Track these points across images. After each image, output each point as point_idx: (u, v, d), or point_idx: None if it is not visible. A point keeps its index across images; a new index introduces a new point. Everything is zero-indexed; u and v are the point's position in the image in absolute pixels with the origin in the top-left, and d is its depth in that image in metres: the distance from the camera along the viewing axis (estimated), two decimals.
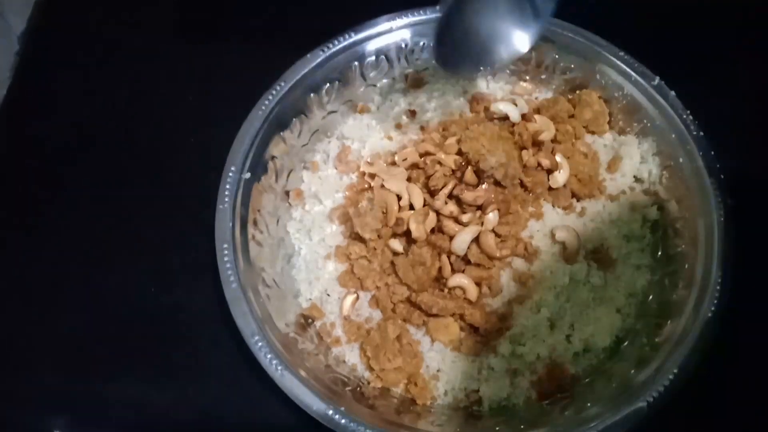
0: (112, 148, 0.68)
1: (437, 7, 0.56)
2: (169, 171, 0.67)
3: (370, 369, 0.57)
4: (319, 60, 0.64)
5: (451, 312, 0.57)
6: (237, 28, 0.76)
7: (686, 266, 0.58)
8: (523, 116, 0.64)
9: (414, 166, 0.61)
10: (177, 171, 0.67)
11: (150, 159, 0.68)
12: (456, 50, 0.57)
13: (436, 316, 0.57)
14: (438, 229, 0.58)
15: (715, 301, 0.54)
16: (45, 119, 0.70)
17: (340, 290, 0.61)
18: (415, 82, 0.68)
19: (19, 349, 0.59)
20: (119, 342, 0.59)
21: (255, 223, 0.60)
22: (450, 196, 0.59)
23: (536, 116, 0.64)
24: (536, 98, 0.69)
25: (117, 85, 0.72)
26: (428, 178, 0.59)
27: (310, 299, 0.60)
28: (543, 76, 0.68)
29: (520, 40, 0.58)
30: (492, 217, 0.58)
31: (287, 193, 0.64)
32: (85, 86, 0.72)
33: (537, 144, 0.63)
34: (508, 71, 0.69)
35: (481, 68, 0.62)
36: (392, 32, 0.66)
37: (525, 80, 0.69)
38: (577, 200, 0.63)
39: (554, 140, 0.64)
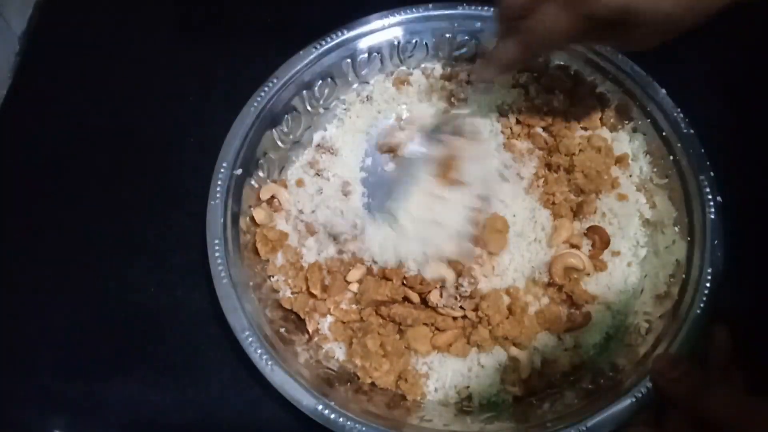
0: (112, 147, 0.69)
1: None
2: (168, 170, 0.67)
3: (362, 370, 0.57)
4: (311, 57, 0.65)
5: (424, 321, 0.57)
6: (236, 26, 0.76)
7: (676, 263, 0.58)
8: None
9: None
10: (176, 170, 0.67)
11: (150, 158, 0.68)
12: None
13: (411, 326, 0.57)
14: None
15: (704, 298, 0.54)
16: (45, 119, 0.70)
17: None
18: (400, 82, 0.69)
19: (18, 349, 0.59)
20: (118, 341, 0.59)
21: (246, 218, 0.60)
22: None
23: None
24: None
25: (117, 85, 0.72)
26: None
27: (296, 295, 0.60)
28: (536, 74, 0.68)
29: None
30: None
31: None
32: (85, 86, 0.72)
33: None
34: None
35: None
36: (384, 30, 0.67)
37: None
38: (583, 193, 0.62)
39: (553, 134, 0.65)
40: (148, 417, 0.57)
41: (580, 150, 0.63)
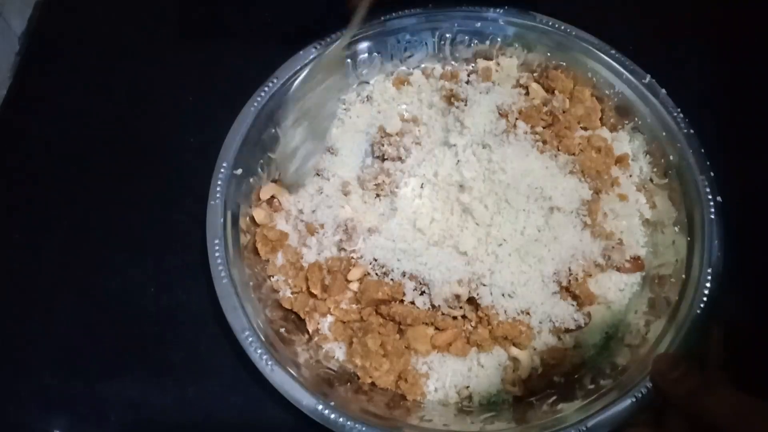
0: (112, 147, 0.69)
1: None
2: (168, 170, 0.67)
3: (362, 369, 0.56)
4: (311, 57, 0.64)
5: (424, 320, 0.57)
6: (237, 26, 0.76)
7: (676, 263, 0.58)
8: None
9: None
10: (177, 170, 0.67)
11: (150, 158, 0.68)
12: None
13: (411, 325, 0.57)
14: None
15: (704, 298, 0.54)
16: (45, 119, 0.70)
17: None
18: (400, 82, 0.69)
19: (18, 349, 0.59)
20: (119, 341, 0.59)
21: (246, 218, 0.60)
22: None
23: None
24: None
25: (117, 85, 0.72)
26: None
27: (296, 294, 0.60)
28: (536, 74, 0.68)
29: None
30: None
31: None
32: (85, 86, 0.72)
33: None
34: None
35: None
36: (385, 30, 0.67)
37: None
38: None
39: (557, 132, 0.64)
40: (148, 416, 0.57)
41: (581, 150, 0.63)
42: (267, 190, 0.62)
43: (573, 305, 0.58)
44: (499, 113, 0.66)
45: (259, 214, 0.61)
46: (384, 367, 0.56)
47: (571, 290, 0.58)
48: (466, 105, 0.66)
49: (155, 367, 0.58)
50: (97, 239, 0.64)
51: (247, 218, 0.61)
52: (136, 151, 0.69)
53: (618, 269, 0.59)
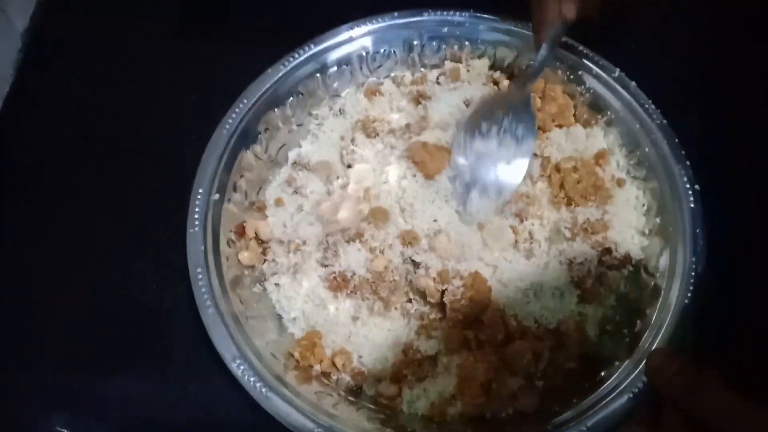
0: (114, 146, 0.68)
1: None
2: (169, 168, 0.66)
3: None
4: (280, 74, 0.64)
5: None
6: (239, 27, 0.76)
7: (660, 253, 0.58)
8: None
9: None
10: (177, 168, 0.65)
11: (151, 156, 0.67)
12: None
13: None
14: None
15: (691, 288, 0.54)
16: (47, 117, 0.70)
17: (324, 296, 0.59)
18: (371, 93, 0.68)
19: (18, 348, 0.59)
20: (120, 338, 0.59)
21: (228, 243, 0.59)
22: None
23: None
24: None
25: (119, 84, 0.72)
26: None
27: (294, 318, 0.59)
28: (506, 74, 0.68)
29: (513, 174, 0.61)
30: None
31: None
32: (87, 84, 0.72)
33: None
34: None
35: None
36: (352, 41, 0.66)
37: None
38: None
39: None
40: (149, 414, 0.57)
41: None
42: (251, 227, 0.61)
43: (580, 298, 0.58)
44: (466, 106, 0.65)
45: (244, 257, 0.60)
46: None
47: (582, 284, 0.58)
48: (431, 101, 0.66)
49: (156, 364, 0.58)
50: (98, 237, 0.64)
51: (233, 252, 0.60)
52: (137, 148, 0.68)
53: (608, 268, 0.59)
